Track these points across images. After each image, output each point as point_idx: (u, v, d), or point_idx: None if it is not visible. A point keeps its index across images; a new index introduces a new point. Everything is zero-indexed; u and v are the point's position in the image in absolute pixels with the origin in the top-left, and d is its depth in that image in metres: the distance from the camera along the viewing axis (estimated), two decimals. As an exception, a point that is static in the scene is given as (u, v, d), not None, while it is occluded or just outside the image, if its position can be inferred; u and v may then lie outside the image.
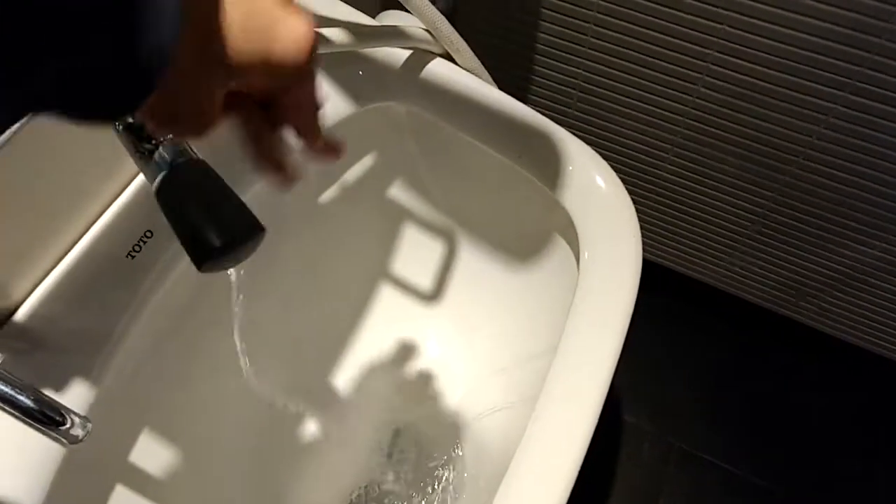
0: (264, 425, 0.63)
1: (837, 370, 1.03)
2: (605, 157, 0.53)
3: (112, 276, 0.47)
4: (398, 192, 0.64)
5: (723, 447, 0.98)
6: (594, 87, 0.78)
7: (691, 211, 0.88)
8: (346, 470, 0.69)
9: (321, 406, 0.59)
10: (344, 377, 0.68)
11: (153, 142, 0.32)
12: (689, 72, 0.71)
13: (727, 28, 0.65)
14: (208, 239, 0.29)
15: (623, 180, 0.52)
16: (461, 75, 0.55)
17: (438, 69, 0.55)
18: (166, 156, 0.32)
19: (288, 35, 0.26)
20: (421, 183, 0.64)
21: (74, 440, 0.37)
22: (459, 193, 0.63)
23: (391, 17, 0.59)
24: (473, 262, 0.66)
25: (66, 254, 0.47)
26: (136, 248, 0.47)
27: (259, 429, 0.62)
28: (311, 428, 0.64)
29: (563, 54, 0.76)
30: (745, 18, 0.63)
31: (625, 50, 0.72)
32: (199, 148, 0.34)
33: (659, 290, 0.98)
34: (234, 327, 0.45)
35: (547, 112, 0.84)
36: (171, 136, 0.33)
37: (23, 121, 0.25)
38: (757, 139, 0.74)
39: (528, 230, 0.60)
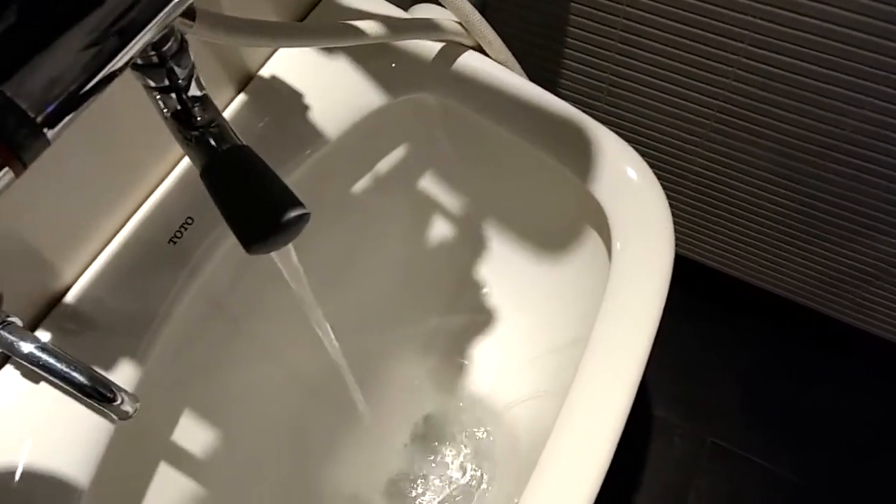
0: (301, 410, 0.64)
1: (873, 366, 1.01)
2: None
3: (155, 261, 0.48)
4: (429, 183, 0.65)
5: (755, 442, 0.97)
6: (624, 81, 0.79)
7: (722, 204, 0.88)
8: (378, 456, 0.70)
9: (355, 393, 0.61)
10: (375, 366, 0.69)
11: (199, 128, 0.34)
12: (720, 64, 0.70)
13: (759, 20, 0.64)
14: (258, 220, 0.30)
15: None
16: (493, 67, 0.56)
17: (470, 61, 0.56)
18: (212, 141, 0.33)
19: None
20: (452, 174, 0.65)
21: (125, 416, 0.39)
22: (490, 184, 0.64)
23: (424, 10, 0.60)
24: (505, 253, 0.67)
25: (111, 239, 0.49)
26: (178, 235, 0.49)
27: (296, 414, 0.64)
28: (345, 414, 0.65)
29: (593, 47, 0.77)
30: (779, 11, 0.63)
31: (655, 42, 0.72)
32: (243, 136, 0.35)
33: (688, 285, 0.98)
34: (306, 298, 0.46)
35: (576, 104, 0.84)
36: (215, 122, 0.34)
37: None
38: (790, 131, 0.74)
39: (560, 222, 0.61)
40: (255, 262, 0.48)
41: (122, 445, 0.44)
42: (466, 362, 0.71)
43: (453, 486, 0.68)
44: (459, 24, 0.55)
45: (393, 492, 0.68)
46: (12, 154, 0.24)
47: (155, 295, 0.47)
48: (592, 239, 0.58)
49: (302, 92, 0.55)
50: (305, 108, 0.55)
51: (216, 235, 0.50)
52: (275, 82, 0.55)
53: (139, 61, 0.31)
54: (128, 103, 0.44)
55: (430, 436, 0.71)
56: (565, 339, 0.62)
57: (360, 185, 0.62)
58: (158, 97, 0.33)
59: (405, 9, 0.59)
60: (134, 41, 0.26)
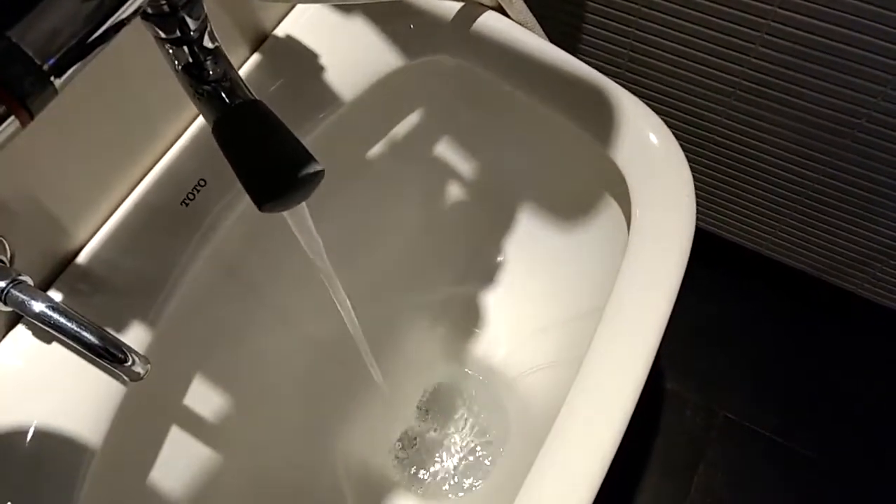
0: (314, 374, 0.64)
1: (890, 341, 1.00)
2: (656, 116, 0.51)
3: (167, 223, 0.48)
4: (445, 148, 0.64)
5: (767, 416, 0.97)
6: (646, 46, 0.76)
7: (742, 175, 0.86)
8: (390, 422, 0.70)
9: (368, 358, 0.60)
10: (389, 332, 0.69)
11: (211, 83, 0.33)
12: (748, 29, 0.68)
13: (790, -18, 0.62)
14: (271, 176, 0.29)
15: (674, 141, 0.51)
16: (513, 28, 0.54)
17: (490, 22, 0.54)
18: (224, 95, 0.32)
19: None
20: (469, 138, 0.63)
21: (136, 377, 0.38)
22: (508, 149, 0.62)
23: (443, -31, 0.58)
24: (521, 220, 0.66)
25: (123, 200, 0.48)
26: (190, 196, 0.48)
27: (309, 378, 0.63)
28: (359, 379, 0.65)
29: (616, 11, 0.74)
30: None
31: (680, 6, 0.70)
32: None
33: (705, 257, 0.96)
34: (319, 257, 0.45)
35: (596, 69, 0.82)
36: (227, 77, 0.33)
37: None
38: (815, 103, 0.71)
39: (578, 188, 0.60)
40: (269, 226, 0.47)
41: (134, 407, 0.44)
42: (479, 330, 0.70)
43: (464, 452, 0.68)
44: (479, -18, 0.53)
45: (403, 457, 0.68)
46: (18, 102, 0.23)
47: (167, 257, 0.47)
48: (611, 206, 0.56)
49: (318, 53, 0.53)
50: (321, 69, 0.53)
51: (230, 198, 0.49)
52: (290, 42, 0.54)
53: (150, 10, 0.30)
54: (140, 61, 0.43)
55: (442, 402, 0.70)
56: (581, 308, 0.61)
57: (376, 149, 0.61)
58: (170, 49, 0.32)
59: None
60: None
